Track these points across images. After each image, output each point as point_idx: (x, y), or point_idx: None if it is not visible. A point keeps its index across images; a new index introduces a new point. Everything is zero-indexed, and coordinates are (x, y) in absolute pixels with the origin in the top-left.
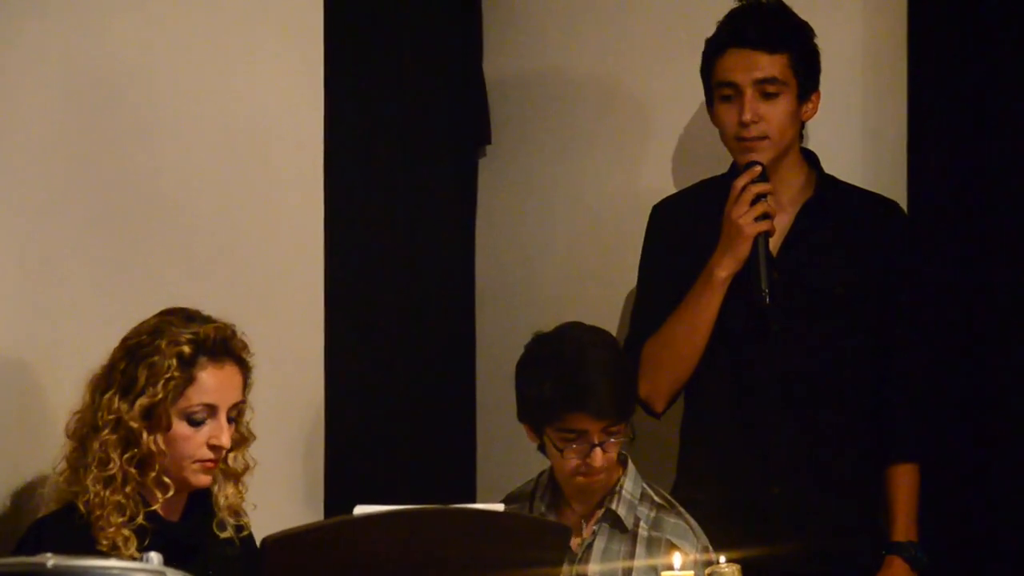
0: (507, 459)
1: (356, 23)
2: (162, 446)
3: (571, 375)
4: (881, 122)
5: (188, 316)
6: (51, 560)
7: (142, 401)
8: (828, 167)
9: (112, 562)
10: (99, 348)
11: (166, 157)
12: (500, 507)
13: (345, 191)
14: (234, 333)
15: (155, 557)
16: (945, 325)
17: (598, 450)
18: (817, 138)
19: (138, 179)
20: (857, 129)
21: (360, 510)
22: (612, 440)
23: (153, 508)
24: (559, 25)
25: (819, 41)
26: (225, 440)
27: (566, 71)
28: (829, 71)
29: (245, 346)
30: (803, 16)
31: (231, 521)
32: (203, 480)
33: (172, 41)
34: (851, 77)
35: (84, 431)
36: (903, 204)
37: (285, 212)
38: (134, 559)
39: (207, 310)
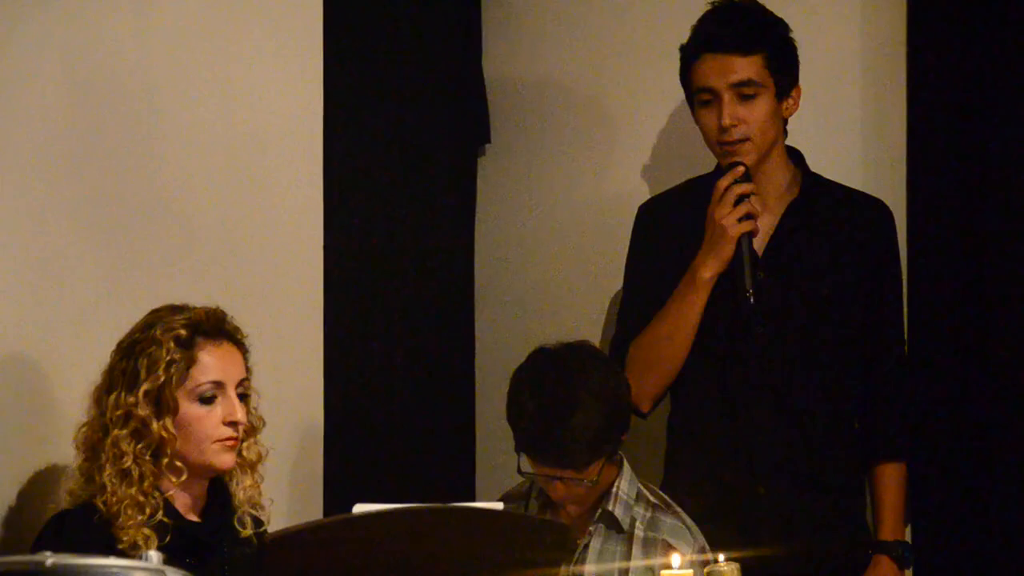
0: (506, 459)
1: (356, 23)
2: (172, 430)
3: (541, 424)
4: (881, 122)
5: (176, 308)
6: (50, 558)
7: (146, 387)
8: (827, 167)
9: (111, 560)
10: (99, 347)
11: (166, 157)
12: (500, 506)
13: (345, 190)
14: (225, 315)
15: (155, 556)
16: (942, 325)
17: (558, 483)
18: (817, 138)
19: (138, 179)
20: (857, 129)
21: (360, 509)
22: (572, 480)
23: (172, 504)
24: (559, 25)
25: (819, 41)
26: (240, 415)
27: (566, 71)
28: (829, 71)
29: (238, 328)
30: (803, 16)
31: (251, 513)
32: (226, 460)
33: (172, 41)
34: (851, 77)
35: (95, 437)
36: (902, 204)
37: (285, 212)
38: None
39: None
